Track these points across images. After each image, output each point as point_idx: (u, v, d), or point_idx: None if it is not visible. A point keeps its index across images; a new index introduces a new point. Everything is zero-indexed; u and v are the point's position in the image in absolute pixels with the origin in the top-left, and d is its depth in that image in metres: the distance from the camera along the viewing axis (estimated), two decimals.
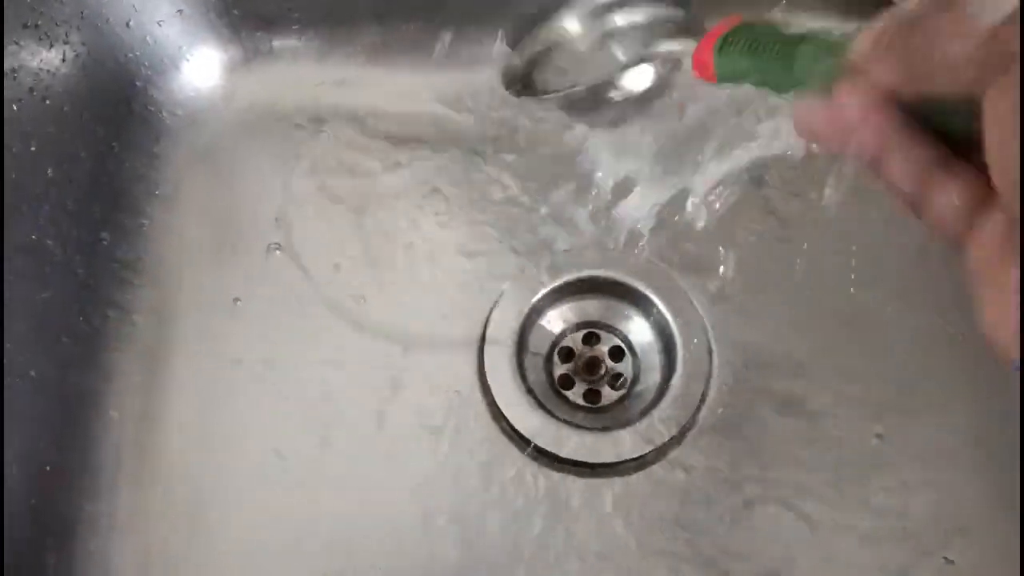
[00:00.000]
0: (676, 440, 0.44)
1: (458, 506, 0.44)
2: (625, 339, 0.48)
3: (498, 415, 0.45)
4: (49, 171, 0.43)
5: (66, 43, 0.44)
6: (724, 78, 0.30)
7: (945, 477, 0.44)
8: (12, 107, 0.41)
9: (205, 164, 0.51)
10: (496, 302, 0.47)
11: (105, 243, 0.47)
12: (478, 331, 0.47)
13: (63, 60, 0.44)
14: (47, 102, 0.43)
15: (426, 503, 0.44)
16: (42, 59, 0.43)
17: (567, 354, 0.48)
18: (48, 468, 0.42)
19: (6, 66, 0.40)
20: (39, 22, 0.42)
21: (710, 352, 0.46)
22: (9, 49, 0.41)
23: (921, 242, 0.47)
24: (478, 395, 0.46)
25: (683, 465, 0.44)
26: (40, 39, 0.43)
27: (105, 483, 0.44)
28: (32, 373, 0.41)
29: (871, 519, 0.44)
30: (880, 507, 0.44)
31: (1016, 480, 0.42)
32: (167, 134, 0.51)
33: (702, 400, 0.45)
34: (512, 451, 0.45)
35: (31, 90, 0.42)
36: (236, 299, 0.48)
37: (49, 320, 0.43)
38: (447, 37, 0.51)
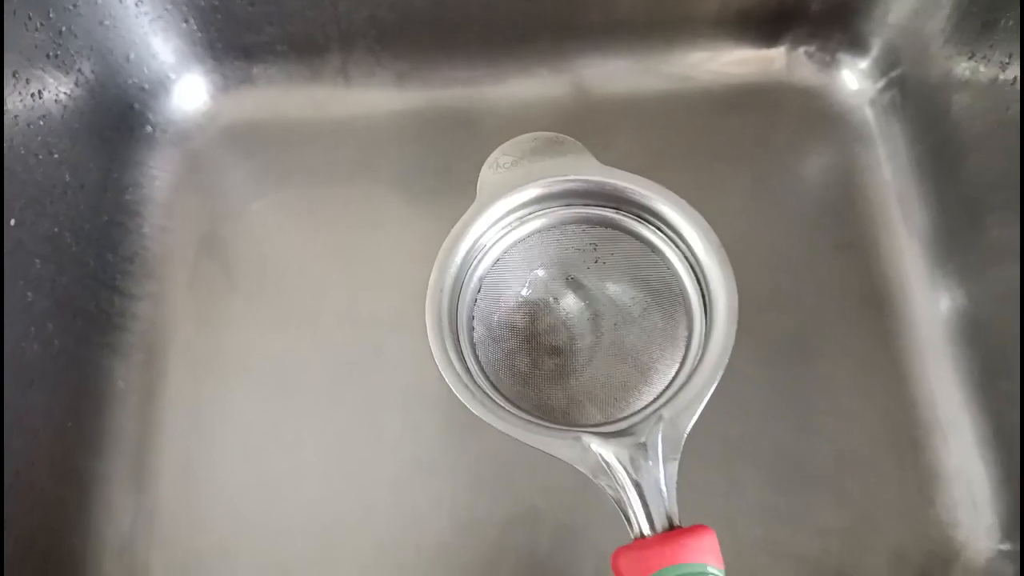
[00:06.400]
0: None
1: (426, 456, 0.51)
2: None
3: None
4: (67, 176, 0.50)
5: (79, 71, 0.52)
6: None
7: None
8: (39, 122, 0.48)
9: (192, 174, 0.59)
10: None
11: (109, 239, 0.54)
12: None
13: (76, 84, 0.52)
14: (64, 118, 0.51)
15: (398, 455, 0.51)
16: (61, 83, 0.51)
17: None
18: (70, 424, 0.49)
19: (35, 88, 0.48)
20: (59, 52, 0.50)
21: None
22: (36, 74, 0.48)
23: None
24: None
25: None
26: (58, 67, 0.50)
27: (113, 445, 0.51)
28: (56, 342, 0.48)
29: None
30: None
31: None
32: (159, 148, 0.59)
33: None
34: None
35: (52, 110, 0.50)
36: (225, 288, 0.55)
37: (67, 300, 0.50)
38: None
